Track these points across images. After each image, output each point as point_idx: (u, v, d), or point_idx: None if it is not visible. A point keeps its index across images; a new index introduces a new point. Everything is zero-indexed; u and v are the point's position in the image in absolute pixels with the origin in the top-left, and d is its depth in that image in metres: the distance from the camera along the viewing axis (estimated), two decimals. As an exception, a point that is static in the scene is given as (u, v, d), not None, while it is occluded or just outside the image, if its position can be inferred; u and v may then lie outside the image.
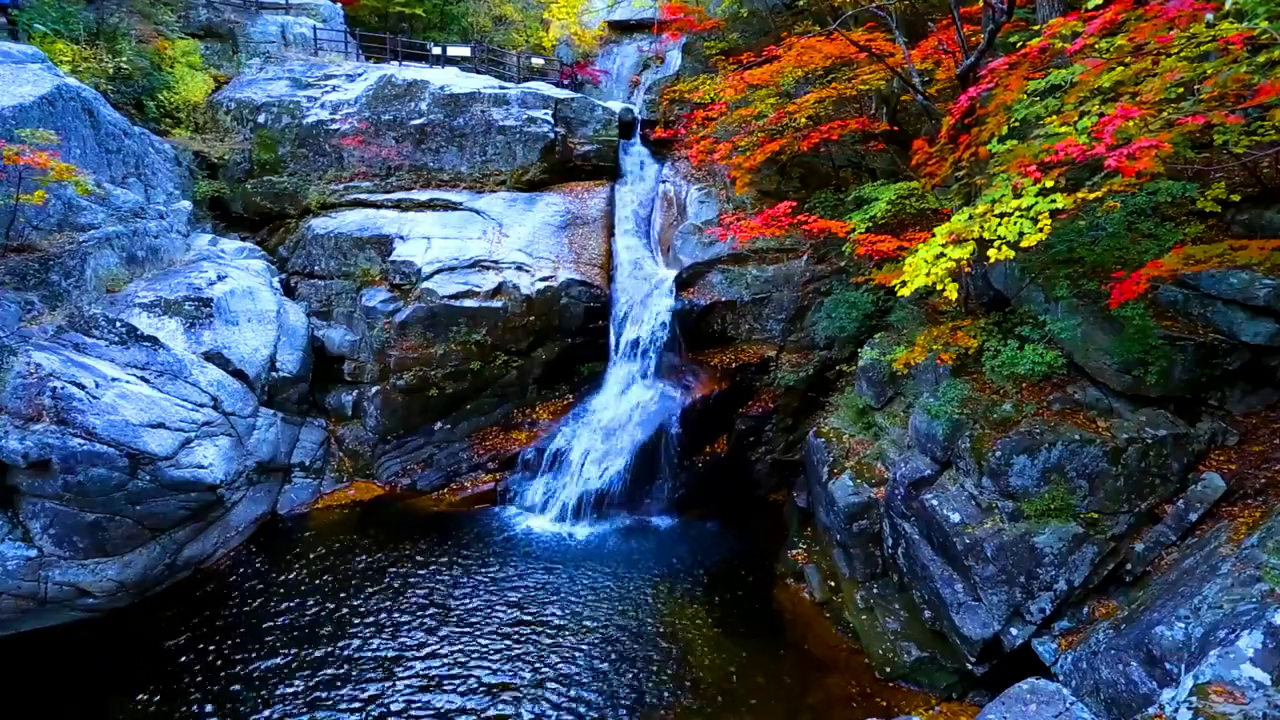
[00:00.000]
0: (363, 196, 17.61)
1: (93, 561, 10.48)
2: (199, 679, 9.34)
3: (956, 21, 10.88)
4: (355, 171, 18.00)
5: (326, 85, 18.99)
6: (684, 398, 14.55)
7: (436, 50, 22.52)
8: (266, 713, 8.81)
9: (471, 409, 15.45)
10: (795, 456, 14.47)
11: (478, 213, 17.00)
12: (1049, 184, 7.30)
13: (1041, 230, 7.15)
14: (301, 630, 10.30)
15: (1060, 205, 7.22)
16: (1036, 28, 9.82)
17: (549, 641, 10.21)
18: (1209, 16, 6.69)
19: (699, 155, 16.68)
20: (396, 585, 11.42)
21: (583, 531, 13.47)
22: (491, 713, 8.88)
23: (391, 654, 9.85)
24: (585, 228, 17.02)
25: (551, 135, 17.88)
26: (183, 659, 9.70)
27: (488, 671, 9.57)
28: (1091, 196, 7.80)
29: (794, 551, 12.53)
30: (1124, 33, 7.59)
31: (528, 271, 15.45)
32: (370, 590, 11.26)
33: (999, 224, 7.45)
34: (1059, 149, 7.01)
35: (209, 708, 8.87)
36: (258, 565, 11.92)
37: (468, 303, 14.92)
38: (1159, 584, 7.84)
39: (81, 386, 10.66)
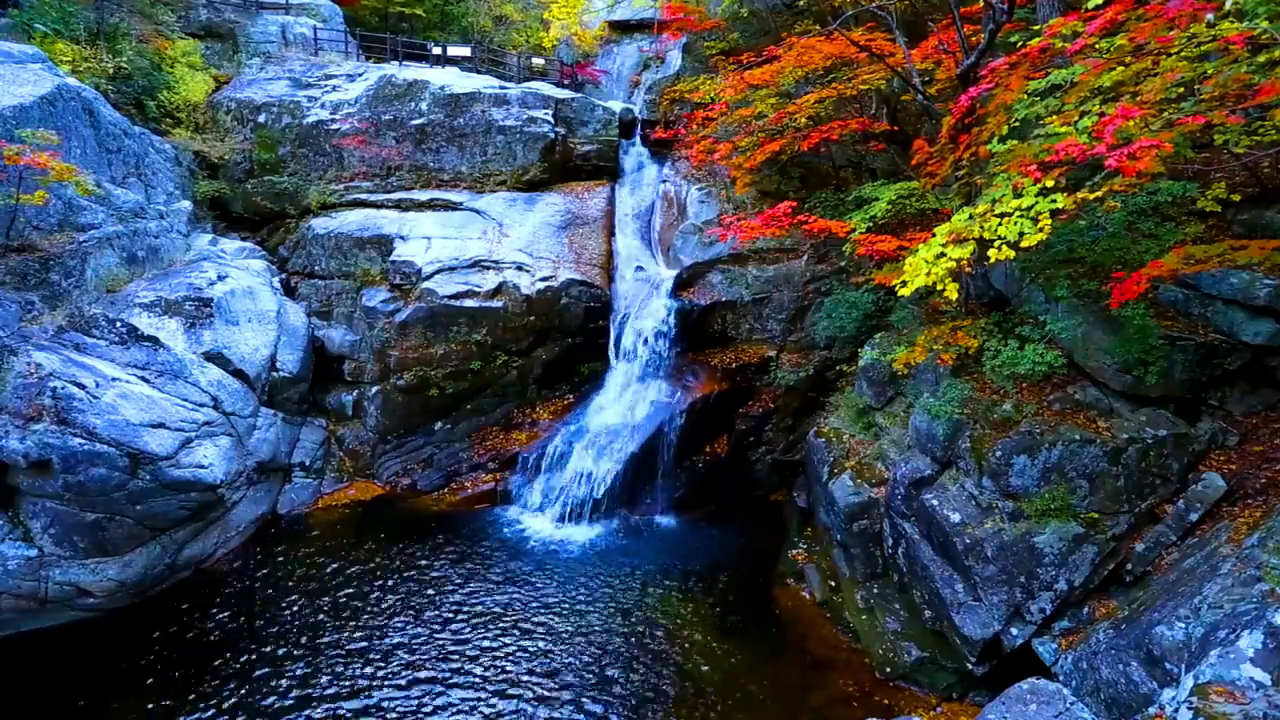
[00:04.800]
0: (363, 196, 17.62)
1: (93, 561, 10.49)
2: (200, 679, 9.33)
3: (957, 21, 10.89)
4: (355, 171, 18.01)
5: (326, 85, 18.99)
6: (684, 397, 14.55)
7: (437, 50, 22.50)
8: (266, 712, 8.81)
9: (472, 409, 15.46)
10: (795, 456, 14.48)
11: (478, 213, 17.00)
12: (1049, 184, 7.30)
13: (1042, 230, 7.16)
14: (301, 630, 10.30)
15: (1060, 205, 7.22)
16: (1037, 28, 9.81)
17: (550, 642, 10.21)
18: (1209, 16, 6.70)
19: (699, 155, 16.69)
20: (397, 586, 11.42)
21: (583, 531, 13.46)
22: (495, 713, 8.89)
23: (392, 654, 9.85)
24: (585, 228, 17.02)
25: (552, 135, 17.87)
26: (183, 659, 9.70)
27: (490, 671, 9.57)
28: (1092, 196, 7.80)
29: (794, 551, 12.53)
30: (1124, 33, 7.60)
31: (528, 271, 15.45)
32: (371, 590, 11.26)
33: (999, 224, 7.45)
34: (1059, 149, 7.02)
35: (209, 707, 8.86)
36: (258, 565, 11.92)
37: (468, 303, 14.93)
38: (1159, 584, 7.84)
39: (82, 386, 10.67)
